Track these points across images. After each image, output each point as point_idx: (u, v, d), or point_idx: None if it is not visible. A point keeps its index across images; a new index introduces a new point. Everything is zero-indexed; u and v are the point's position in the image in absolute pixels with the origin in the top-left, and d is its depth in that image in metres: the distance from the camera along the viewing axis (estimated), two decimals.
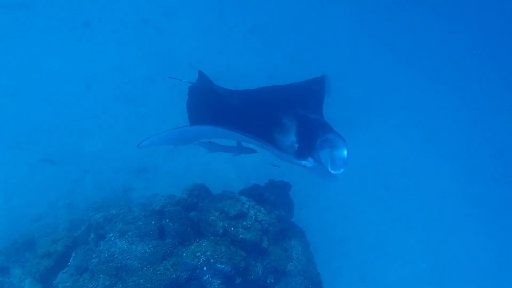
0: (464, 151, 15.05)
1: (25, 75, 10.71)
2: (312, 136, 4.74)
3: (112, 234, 5.58)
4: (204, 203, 5.83)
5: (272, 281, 5.54)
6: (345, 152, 4.65)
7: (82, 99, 10.77)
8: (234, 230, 5.39)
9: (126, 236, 5.52)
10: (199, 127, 4.59)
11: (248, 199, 5.87)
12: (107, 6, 13.40)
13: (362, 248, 10.37)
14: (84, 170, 9.18)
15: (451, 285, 10.64)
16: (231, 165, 10.43)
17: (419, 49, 18.09)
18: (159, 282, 4.90)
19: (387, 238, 10.86)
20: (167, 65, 12.60)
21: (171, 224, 5.69)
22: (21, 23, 11.87)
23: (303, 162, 4.67)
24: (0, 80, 10.40)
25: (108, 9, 13.32)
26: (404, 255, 10.81)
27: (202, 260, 4.96)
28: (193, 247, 5.19)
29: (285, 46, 15.66)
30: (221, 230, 5.39)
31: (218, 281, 4.94)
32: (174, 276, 4.98)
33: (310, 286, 5.97)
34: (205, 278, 4.93)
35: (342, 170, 4.61)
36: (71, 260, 5.45)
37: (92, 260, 5.26)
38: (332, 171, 4.61)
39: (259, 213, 5.69)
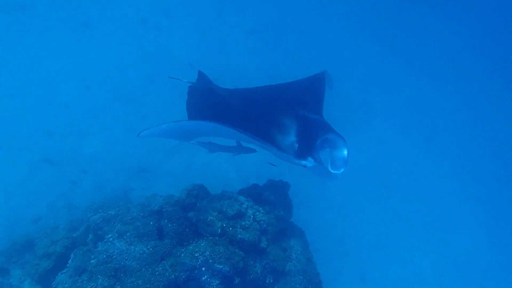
0: (464, 151, 15.04)
1: (24, 75, 10.71)
2: (312, 136, 4.73)
3: (110, 235, 5.58)
4: (203, 203, 5.82)
5: (271, 281, 5.52)
6: (345, 152, 4.64)
7: (81, 100, 10.76)
8: (232, 230, 5.38)
9: (125, 237, 5.52)
10: (200, 122, 4.57)
11: (247, 199, 5.86)
12: (107, 7, 13.40)
13: (362, 248, 10.35)
14: (84, 171, 9.18)
15: (451, 285, 10.63)
16: (231, 165, 10.43)
17: (419, 49, 18.08)
18: (158, 283, 4.89)
19: (387, 238, 10.85)
20: (166, 65, 12.59)
21: (169, 225, 5.69)
22: (20, 23, 11.87)
23: (303, 162, 4.66)
24: (0, 81, 10.40)
25: (108, 10, 13.32)
26: (404, 255, 10.79)
27: (201, 260, 4.94)
28: (191, 247, 5.18)
29: (284, 46, 15.64)
30: (219, 230, 5.38)
31: (217, 282, 4.93)
32: (173, 276, 4.96)
33: (310, 286, 5.95)
34: (203, 278, 4.91)
35: (342, 170, 4.60)
36: (70, 261, 5.44)
37: (91, 261, 5.25)
38: (332, 171, 4.60)
39: (257, 213, 5.68)
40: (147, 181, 9.51)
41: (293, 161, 4.79)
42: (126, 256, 5.26)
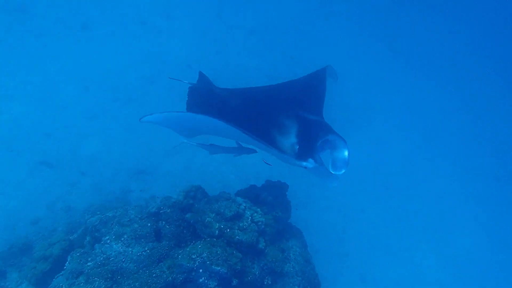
0: (464, 151, 15.00)
1: (23, 76, 10.71)
2: (313, 137, 4.72)
3: (108, 237, 5.55)
4: (200, 205, 5.81)
5: (269, 282, 5.51)
6: (346, 153, 4.63)
7: (80, 101, 10.75)
8: (230, 232, 5.36)
9: (122, 239, 5.48)
10: (202, 116, 4.52)
11: (244, 200, 5.85)
12: (106, 8, 13.40)
13: (362, 248, 10.33)
14: (82, 172, 9.16)
15: (451, 285, 10.59)
16: (230, 166, 10.42)
17: (419, 49, 18.06)
18: (155, 285, 4.85)
19: (387, 238, 10.83)
20: (166, 66, 12.61)
21: (167, 226, 5.66)
22: (20, 24, 11.87)
23: (304, 164, 4.65)
24: None
25: (107, 11, 13.32)
26: (404, 255, 10.77)
27: (198, 262, 4.92)
28: (188, 249, 5.14)
29: (284, 46, 15.62)
30: (217, 231, 5.36)
31: (214, 283, 4.90)
32: (170, 278, 4.93)
33: (308, 287, 5.94)
34: (201, 280, 4.89)
35: (343, 171, 4.59)
36: (66, 263, 5.40)
37: (88, 264, 5.21)
38: (333, 172, 4.58)
39: (255, 214, 5.67)
40: (146, 182, 9.50)
41: (293, 162, 4.77)
42: (123, 258, 5.23)
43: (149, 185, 9.45)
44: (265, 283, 5.45)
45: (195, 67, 12.25)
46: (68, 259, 5.45)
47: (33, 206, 8.13)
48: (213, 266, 4.89)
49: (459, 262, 11.09)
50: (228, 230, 5.37)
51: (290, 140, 4.81)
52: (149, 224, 5.71)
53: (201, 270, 4.90)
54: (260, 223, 5.61)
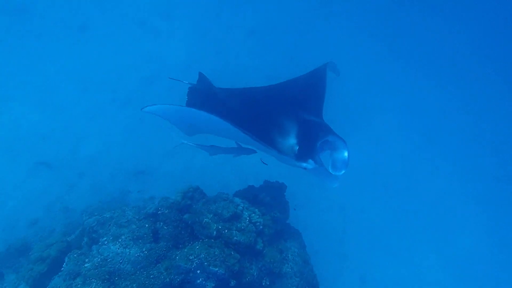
0: (464, 151, 14.95)
1: (22, 77, 10.70)
2: (313, 138, 4.70)
3: (105, 238, 5.54)
4: (198, 205, 5.79)
5: (268, 283, 5.49)
6: (346, 154, 4.61)
7: (79, 102, 10.73)
8: (228, 232, 5.34)
9: (120, 240, 5.47)
10: (203, 113, 4.50)
11: (242, 201, 5.83)
12: (105, 8, 13.36)
13: (362, 248, 10.29)
14: (81, 173, 9.15)
15: (451, 285, 10.55)
16: (230, 166, 10.39)
17: (418, 49, 18.01)
18: (152, 286, 4.84)
19: (387, 238, 10.78)
20: (165, 67, 12.57)
21: (165, 227, 5.64)
22: (19, 25, 11.84)
23: (304, 165, 4.63)
24: None
25: (106, 12, 13.27)
26: (404, 255, 10.73)
27: (196, 263, 4.90)
28: (186, 250, 5.13)
29: (284, 47, 15.59)
30: (215, 232, 5.34)
31: (212, 284, 4.89)
32: (168, 279, 4.91)
33: None
34: (198, 281, 4.87)
35: (343, 172, 4.57)
36: (64, 265, 5.39)
37: (85, 265, 5.19)
38: (333, 173, 4.57)
39: (253, 214, 5.65)
40: (145, 183, 9.48)
41: (293, 163, 4.76)
42: (121, 259, 5.21)
43: (148, 186, 9.43)
44: (263, 284, 5.44)
45: (194, 68, 12.25)
46: (66, 261, 5.44)
47: (31, 207, 8.13)
48: (210, 267, 4.87)
49: (460, 263, 11.05)
50: (226, 231, 5.36)
51: (290, 141, 4.80)
52: (147, 225, 5.69)
53: (198, 271, 4.88)
54: (258, 223, 5.59)
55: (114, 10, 13.55)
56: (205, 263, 4.88)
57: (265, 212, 5.94)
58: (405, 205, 11.81)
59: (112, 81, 11.62)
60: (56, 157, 9.32)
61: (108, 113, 10.86)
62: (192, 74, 6.41)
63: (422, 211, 11.92)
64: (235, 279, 5.07)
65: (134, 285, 4.85)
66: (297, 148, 4.70)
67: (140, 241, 5.48)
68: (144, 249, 5.34)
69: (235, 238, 5.29)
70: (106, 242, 5.46)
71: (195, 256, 4.95)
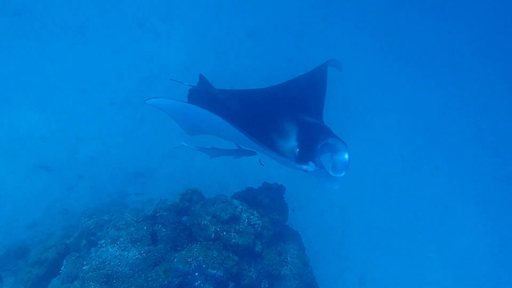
0: (464, 151, 14.93)
1: (20, 79, 10.67)
2: (313, 140, 4.68)
3: (103, 241, 5.52)
4: (196, 208, 5.76)
5: (266, 285, 5.47)
6: (346, 156, 4.59)
7: (77, 104, 10.71)
8: (226, 235, 5.32)
9: (118, 242, 5.45)
10: (205, 111, 4.49)
11: (241, 203, 5.81)
12: (103, 11, 13.34)
13: (362, 249, 10.26)
14: (80, 176, 9.14)
15: (451, 286, 10.53)
16: (229, 168, 10.37)
17: (418, 49, 17.99)
18: None
19: (386, 239, 10.76)
20: (163, 68, 12.57)
21: (163, 229, 5.61)
22: (17, 28, 11.81)
23: (305, 167, 4.62)
24: None
25: (104, 14, 13.25)
26: (404, 256, 10.69)
27: (194, 265, 4.87)
28: (184, 252, 5.10)
29: (283, 48, 15.58)
30: (213, 234, 5.31)
31: (210, 287, 4.86)
32: (166, 282, 4.88)
33: None
34: (197, 284, 4.85)
35: (343, 174, 4.57)
36: (62, 267, 5.37)
37: (83, 268, 5.18)
38: (333, 175, 4.56)
39: (252, 216, 5.63)
40: (144, 185, 9.48)
41: (294, 165, 4.75)
42: (119, 262, 5.19)
43: (148, 187, 9.44)
44: (262, 286, 5.41)
45: (193, 69, 12.28)
46: (64, 263, 5.42)
47: (30, 209, 8.13)
48: (209, 270, 4.85)
49: (460, 263, 11.03)
50: (224, 233, 5.33)
51: (290, 143, 4.78)
52: (145, 227, 5.67)
53: (197, 274, 4.86)
54: (256, 225, 5.57)
55: (113, 11, 13.53)
56: (204, 266, 4.86)
57: (264, 214, 5.91)
58: (405, 205, 11.79)
59: (112, 82, 11.61)
60: (55, 158, 9.33)
61: (107, 114, 10.86)
62: (192, 75, 6.40)
63: (422, 212, 11.90)
64: (234, 282, 5.04)
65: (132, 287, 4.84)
66: (298, 150, 4.69)
67: (139, 243, 5.47)
68: (142, 252, 5.32)
69: (233, 240, 5.27)
70: (104, 245, 5.44)
71: (193, 258, 4.93)
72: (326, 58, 6.48)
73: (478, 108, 16.94)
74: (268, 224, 5.79)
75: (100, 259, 5.23)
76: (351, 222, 10.80)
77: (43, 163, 9.16)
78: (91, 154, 9.71)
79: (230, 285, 4.98)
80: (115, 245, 5.41)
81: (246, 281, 5.25)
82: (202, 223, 5.40)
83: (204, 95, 5.89)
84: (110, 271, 5.06)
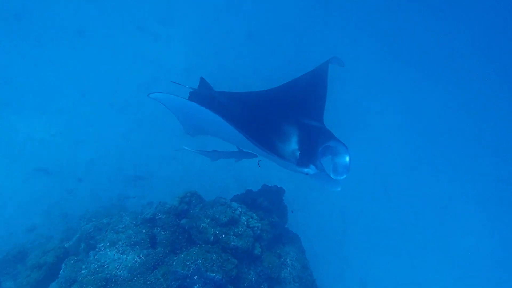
0: (464, 152, 14.90)
1: (19, 83, 10.65)
2: (314, 143, 4.73)
3: (102, 244, 5.50)
4: (195, 210, 5.74)
5: None
6: (347, 159, 4.63)
7: (77, 107, 10.69)
8: (225, 237, 5.29)
9: (117, 246, 5.43)
10: (209, 111, 4.47)
11: (240, 205, 5.78)
12: (102, 14, 13.34)
13: (362, 251, 10.22)
14: (79, 179, 9.13)
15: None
16: (229, 171, 10.36)
17: (418, 50, 17.98)
18: None
19: (387, 241, 10.72)
20: (163, 71, 12.57)
21: (162, 232, 5.60)
22: (15, 31, 11.79)
23: (305, 170, 4.66)
24: None
25: (103, 17, 13.25)
26: (405, 258, 10.64)
27: (193, 268, 4.84)
28: (183, 255, 5.07)
29: (282, 49, 15.57)
30: (212, 237, 5.28)
31: None
32: (165, 286, 4.86)
33: None
34: (195, 287, 4.81)
35: (344, 176, 4.57)
36: (61, 271, 5.36)
37: (82, 271, 5.16)
38: (334, 177, 4.56)
39: (251, 219, 5.60)
40: (144, 188, 9.46)
41: (295, 169, 4.77)
42: (118, 265, 5.17)
43: (147, 190, 9.43)
44: None
45: (193, 71, 12.28)
46: (62, 267, 5.41)
47: (29, 213, 8.10)
48: (208, 273, 4.82)
49: (461, 265, 10.97)
50: (223, 235, 5.30)
51: (291, 146, 4.81)
52: (144, 231, 5.66)
53: (195, 277, 4.83)
54: (256, 228, 5.54)
55: (113, 13, 13.53)
56: (202, 269, 4.83)
57: (263, 217, 5.90)
58: (405, 206, 11.75)
59: (111, 86, 11.58)
60: (55, 162, 9.28)
61: (107, 117, 10.83)
62: (191, 78, 6.41)
63: (422, 212, 11.86)
64: (233, 285, 5.01)
65: None
66: (299, 153, 4.71)
67: (137, 246, 5.45)
68: (141, 255, 5.30)
69: (232, 243, 5.24)
70: (103, 248, 5.42)
71: (192, 261, 4.90)
72: (326, 59, 6.48)
73: (479, 109, 16.92)
74: (267, 227, 5.78)
75: (99, 263, 5.21)
76: (351, 223, 10.77)
77: (42, 166, 9.12)
78: (91, 157, 9.68)
79: None
80: (114, 248, 5.40)
81: (245, 284, 5.23)
82: (201, 226, 5.38)
83: (204, 97, 5.89)
84: (108, 275, 5.03)
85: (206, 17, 15.06)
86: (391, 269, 10.24)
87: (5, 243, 7.18)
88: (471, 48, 18.63)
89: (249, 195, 6.53)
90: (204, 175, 10.12)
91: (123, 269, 5.12)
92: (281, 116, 5.23)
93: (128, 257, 5.27)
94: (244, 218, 5.61)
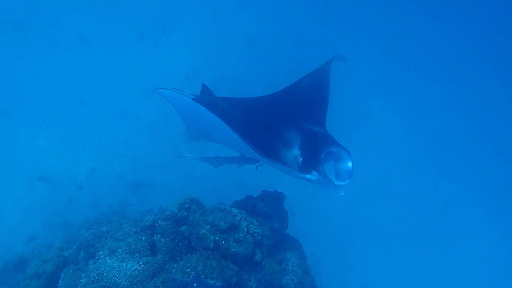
0: (468, 155, 14.83)
1: (19, 92, 10.65)
2: (316, 149, 4.72)
3: (102, 252, 5.46)
4: (195, 217, 5.68)
5: None
6: (350, 164, 4.62)
7: (77, 115, 10.68)
8: (225, 244, 5.23)
9: (116, 254, 5.39)
10: (212, 115, 4.44)
11: (240, 211, 5.73)
12: (103, 22, 13.39)
13: (366, 258, 10.15)
14: (79, 187, 9.09)
15: None
16: (229, 176, 10.33)
17: (419, 51, 17.97)
18: None
19: (391, 247, 10.64)
20: (163, 78, 12.57)
21: (162, 239, 5.55)
22: (15, 40, 11.81)
23: (308, 176, 4.64)
24: None
25: (103, 24, 13.30)
26: (409, 264, 10.55)
27: (192, 276, 4.79)
28: (182, 262, 5.02)
29: (281, 53, 15.58)
30: (212, 244, 5.22)
31: None
32: None
33: None
34: None
35: (347, 182, 4.53)
36: (60, 280, 5.31)
37: (81, 280, 5.10)
38: (337, 183, 4.52)
39: (251, 225, 5.54)
40: (143, 196, 9.43)
41: (297, 175, 4.74)
42: (117, 273, 5.11)
43: (148, 198, 9.38)
44: None
45: (193, 78, 12.30)
46: (62, 276, 5.35)
47: (30, 222, 8.05)
48: (208, 280, 4.76)
49: (467, 272, 10.87)
50: (223, 242, 5.24)
51: (293, 152, 4.79)
52: (143, 238, 5.62)
53: (195, 284, 4.77)
54: (256, 234, 5.48)
55: (113, 21, 13.57)
56: (202, 276, 4.78)
57: (263, 223, 5.84)
58: (409, 212, 11.67)
59: (112, 93, 11.57)
60: (55, 170, 9.25)
61: (107, 124, 10.81)
62: (192, 85, 6.38)
63: (427, 218, 11.78)
64: None
65: None
66: (301, 159, 4.68)
67: (137, 254, 5.40)
68: (140, 263, 5.25)
69: (232, 249, 5.18)
70: (102, 256, 5.38)
71: (192, 268, 4.85)
72: (328, 59, 6.44)
73: (481, 111, 16.87)
74: (268, 233, 5.71)
75: (98, 271, 5.15)
76: (354, 229, 10.71)
77: (42, 174, 9.10)
78: (91, 165, 9.66)
79: None
80: (113, 256, 5.35)
81: None
82: (201, 233, 5.33)
83: (207, 104, 5.86)
84: (108, 283, 4.98)
85: (205, 24, 15.11)
86: (395, 275, 10.15)
87: (5, 253, 7.15)
88: (472, 49, 18.63)
89: (249, 200, 6.48)
90: (205, 181, 10.09)
91: (123, 277, 5.06)
92: (283, 122, 5.22)
93: (127, 265, 5.22)
94: (244, 224, 5.55)
